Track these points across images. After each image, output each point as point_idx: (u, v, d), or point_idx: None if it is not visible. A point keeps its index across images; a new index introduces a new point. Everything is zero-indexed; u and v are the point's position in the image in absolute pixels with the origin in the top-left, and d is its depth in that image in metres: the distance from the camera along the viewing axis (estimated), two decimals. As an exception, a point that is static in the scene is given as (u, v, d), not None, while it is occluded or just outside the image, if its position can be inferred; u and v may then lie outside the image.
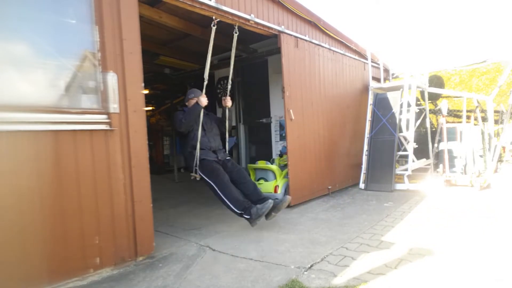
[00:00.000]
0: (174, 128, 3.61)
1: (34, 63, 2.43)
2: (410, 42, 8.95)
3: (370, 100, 6.32)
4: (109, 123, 2.67)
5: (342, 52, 6.05)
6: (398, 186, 5.60)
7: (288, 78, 4.66)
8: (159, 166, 8.90)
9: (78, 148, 2.49)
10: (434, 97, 7.42)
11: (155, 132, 9.22)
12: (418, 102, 7.01)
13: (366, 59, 6.67)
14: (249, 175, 5.07)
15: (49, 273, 2.34)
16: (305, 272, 2.48)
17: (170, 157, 9.32)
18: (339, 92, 5.96)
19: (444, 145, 6.04)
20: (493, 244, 2.89)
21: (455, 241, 2.99)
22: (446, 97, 7.36)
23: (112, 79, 2.69)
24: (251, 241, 3.24)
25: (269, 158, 5.78)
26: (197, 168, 3.56)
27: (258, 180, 4.85)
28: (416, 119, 6.19)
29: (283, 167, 4.92)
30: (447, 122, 6.45)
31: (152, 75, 7.78)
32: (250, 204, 3.38)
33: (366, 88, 6.68)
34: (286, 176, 4.72)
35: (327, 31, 5.58)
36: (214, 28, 3.59)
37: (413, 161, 5.86)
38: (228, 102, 3.93)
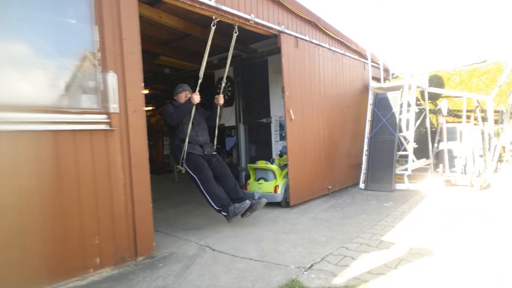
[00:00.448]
0: (163, 119, 3.82)
1: (34, 63, 2.43)
2: (410, 42, 8.95)
3: (370, 100, 6.32)
4: (109, 123, 2.67)
5: (342, 52, 6.05)
6: (398, 186, 5.60)
7: (288, 78, 4.66)
8: (159, 166, 8.91)
9: (78, 148, 2.49)
10: (434, 97, 7.42)
11: (155, 132, 9.22)
12: (418, 102, 7.01)
13: (366, 59, 6.67)
14: (249, 175, 5.07)
15: (49, 273, 2.34)
16: (305, 272, 2.48)
17: (170, 157, 9.32)
18: (339, 92, 5.96)
19: (444, 145, 6.04)
20: (493, 244, 2.89)
21: (455, 241, 2.99)
22: (446, 97, 7.36)
23: (112, 79, 2.69)
24: (251, 241, 3.25)
25: (269, 158, 5.78)
26: (183, 161, 3.68)
27: (258, 180, 4.85)
28: (416, 119, 6.19)
29: (283, 167, 4.92)
30: (447, 122, 6.45)
31: (152, 75, 7.78)
32: (228, 202, 3.60)
33: (366, 88, 6.68)
34: (286, 176, 4.72)
35: (327, 31, 5.57)
36: (213, 28, 3.59)
37: (413, 161, 5.86)
38: (221, 99, 4.06)
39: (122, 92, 2.77)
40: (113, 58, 2.72)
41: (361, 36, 8.64)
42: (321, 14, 5.38)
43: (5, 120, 2.19)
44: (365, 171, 5.93)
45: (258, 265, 2.65)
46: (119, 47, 2.75)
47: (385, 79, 7.49)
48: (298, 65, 4.90)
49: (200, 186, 3.66)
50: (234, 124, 6.80)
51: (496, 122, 6.53)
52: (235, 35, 3.92)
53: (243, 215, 3.64)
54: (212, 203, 3.62)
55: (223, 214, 3.58)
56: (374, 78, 6.77)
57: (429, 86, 6.81)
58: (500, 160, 6.06)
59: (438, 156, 6.43)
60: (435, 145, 6.50)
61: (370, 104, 6.29)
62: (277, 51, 4.82)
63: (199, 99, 3.73)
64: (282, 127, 6.17)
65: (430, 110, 7.20)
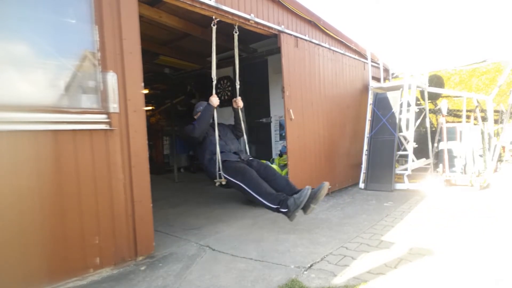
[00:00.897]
0: (186, 139, 3.40)
1: (34, 63, 2.43)
2: (410, 42, 8.95)
3: (370, 100, 6.32)
4: (109, 123, 2.67)
5: (342, 52, 6.05)
6: (398, 186, 5.60)
7: (288, 78, 4.66)
8: (159, 166, 8.90)
9: (78, 148, 2.49)
10: (434, 97, 7.42)
11: (155, 132, 9.21)
12: (418, 102, 7.01)
13: (366, 59, 6.67)
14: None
15: (49, 273, 2.34)
16: (305, 272, 2.48)
17: (170, 157, 9.32)
18: (339, 92, 5.96)
19: (444, 145, 6.04)
20: (493, 244, 2.89)
21: (455, 241, 2.99)
22: (446, 96, 7.36)
23: (112, 78, 2.69)
24: (251, 241, 3.24)
25: (269, 157, 5.78)
26: (220, 172, 3.29)
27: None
28: (416, 119, 6.19)
29: (283, 167, 4.93)
30: (447, 121, 6.45)
31: (152, 75, 7.78)
32: (285, 196, 3.07)
33: (366, 88, 6.68)
34: (286, 175, 4.72)
35: (327, 31, 5.57)
36: (214, 28, 3.59)
37: (413, 160, 5.86)
38: (240, 102, 3.75)
39: (122, 92, 2.77)
40: (113, 58, 2.72)
41: (361, 36, 8.63)
42: (321, 14, 5.39)
43: (5, 120, 2.19)
44: (365, 171, 5.93)
45: (258, 265, 2.65)
46: (119, 47, 2.75)
47: (385, 79, 7.49)
48: (298, 65, 4.90)
49: (247, 189, 3.22)
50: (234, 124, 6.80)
51: (496, 122, 6.53)
52: (236, 35, 3.92)
53: (305, 209, 3.08)
54: (267, 204, 3.13)
55: (283, 212, 3.06)
56: (374, 78, 6.77)
57: (429, 86, 6.81)
58: (500, 160, 6.06)
59: (438, 156, 6.43)
60: (435, 145, 6.50)
61: (370, 104, 6.29)
62: (277, 51, 4.82)
63: (218, 100, 3.52)
64: (282, 127, 6.17)
65: (430, 110, 7.20)
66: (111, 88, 2.69)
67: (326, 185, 3.18)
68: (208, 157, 3.38)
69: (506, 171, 5.68)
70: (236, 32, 3.90)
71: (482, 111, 6.57)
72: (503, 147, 6.00)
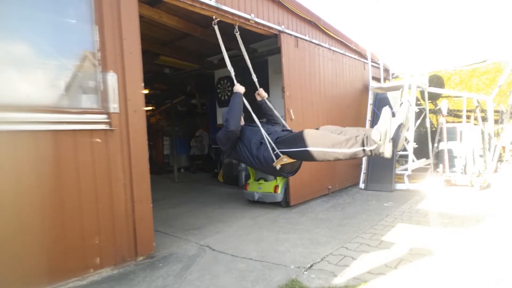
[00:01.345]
0: (225, 141, 2.75)
1: (34, 63, 2.43)
2: (410, 42, 8.96)
3: (370, 100, 6.32)
4: (109, 123, 2.67)
5: (342, 52, 6.05)
6: (398, 186, 5.59)
7: (288, 78, 4.66)
8: (159, 166, 8.90)
9: (78, 147, 2.49)
10: (434, 97, 7.41)
11: (155, 132, 9.22)
12: (418, 102, 7.01)
13: (366, 59, 6.67)
14: (249, 175, 5.07)
15: (49, 273, 2.34)
16: (305, 272, 2.48)
17: (170, 157, 9.32)
18: (339, 92, 5.96)
19: (444, 145, 6.04)
20: (493, 244, 2.89)
21: (455, 241, 2.98)
22: (446, 97, 7.36)
23: (112, 79, 2.69)
24: (251, 241, 3.24)
25: (269, 158, 5.76)
26: (276, 151, 2.71)
27: (258, 180, 4.85)
28: (416, 119, 6.19)
29: (283, 167, 4.91)
30: (447, 122, 6.45)
31: (152, 75, 7.77)
32: (365, 133, 2.37)
33: (366, 88, 6.67)
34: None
35: (327, 31, 5.57)
36: (216, 27, 3.58)
37: (413, 161, 5.86)
38: (263, 93, 3.27)
39: (122, 92, 2.77)
40: (113, 58, 2.72)
41: (361, 36, 8.64)
42: (321, 14, 5.39)
43: (5, 120, 2.19)
44: (365, 171, 5.93)
45: (258, 265, 2.65)
46: (119, 47, 2.75)
47: (385, 79, 7.48)
48: (298, 65, 4.90)
49: (318, 149, 2.50)
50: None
51: (496, 122, 6.53)
52: (238, 35, 3.91)
53: (397, 140, 2.26)
54: (350, 151, 2.37)
55: (372, 150, 2.28)
56: (374, 78, 6.77)
57: (429, 86, 6.81)
58: (500, 160, 6.06)
59: (438, 156, 6.43)
60: (435, 145, 6.50)
61: (370, 104, 6.29)
62: (277, 51, 4.82)
63: (243, 87, 3.19)
64: (282, 127, 6.15)
65: (430, 110, 7.19)
66: (111, 88, 2.69)
67: (407, 105, 2.38)
68: (255, 146, 2.86)
69: (506, 171, 5.68)
70: (237, 32, 3.90)
71: (482, 111, 6.56)
72: (503, 147, 5.99)
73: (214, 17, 3.65)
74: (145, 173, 2.91)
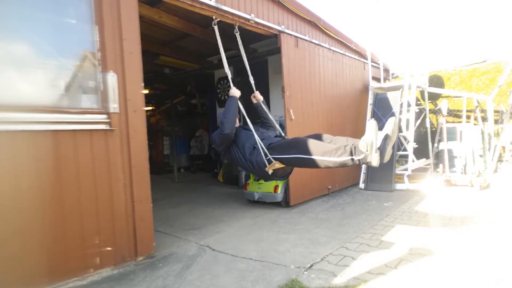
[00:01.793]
0: (219, 143, 2.76)
1: (34, 63, 2.43)
2: (410, 42, 8.96)
3: (370, 100, 6.32)
4: (109, 123, 2.67)
5: (342, 52, 6.05)
6: (398, 186, 5.59)
7: (288, 78, 4.66)
8: (159, 166, 8.90)
9: (78, 147, 2.49)
10: (434, 97, 7.41)
11: (155, 132, 9.21)
12: (418, 102, 7.01)
13: (366, 59, 6.67)
14: (249, 175, 5.07)
15: (49, 273, 2.34)
16: (305, 272, 2.48)
17: (170, 157, 9.32)
18: (339, 92, 5.96)
19: (444, 145, 6.04)
20: (493, 244, 2.89)
21: (455, 241, 2.98)
22: (446, 97, 7.36)
23: (112, 79, 2.69)
24: (251, 241, 3.24)
25: (269, 158, 5.76)
26: (269, 157, 2.78)
27: (258, 180, 4.85)
28: (416, 119, 6.19)
29: (283, 167, 4.91)
30: (447, 122, 6.45)
31: (152, 75, 7.78)
32: (354, 143, 2.45)
33: (366, 88, 6.67)
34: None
35: (327, 31, 5.57)
36: (216, 27, 3.58)
37: (413, 161, 5.86)
38: (259, 96, 3.37)
39: (122, 92, 2.77)
40: (113, 58, 2.72)
41: (361, 36, 8.64)
42: (321, 14, 5.39)
43: (5, 120, 2.19)
44: (365, 171, 5.93)
45: (258, 265, 2.65)
46: (119, 47, 2.75)
47: (385, 79, 7.48)
48: (298, 65, 4.90)
49: (308, 156, 2.58)
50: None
51: (496, 122, 6.53)
52: (237, 35, 3.91)
53: (384, 151, 2.35)
54: (339, 160, 2.44)
55: (360, 160, 2.34)
56: (374, 78, 6.77)
57: (429, 86, 6.81)
58: (500, 160, 6.05)
59: (438, 156, 6.43)
60: (435, 145, 6.50)
61: (370, 104, 6.29)
62: (277, 51, 4.82)
63: (239, 91, 3.22)
64: (282, 127, 6.16)
65: (430, 110, 7.19)
66: (111, 88, 2.69)
67: (393, 120, 2.45)
68: (249, 150, 2.92)
69: (506, 171, 5.68)
70: (237, 32, 3.90)
71: (482, 111, 6.56)
72: (503, 147, 5.99)
73: (214, 17, 3.65)
74: (145, 173, 2.91)
